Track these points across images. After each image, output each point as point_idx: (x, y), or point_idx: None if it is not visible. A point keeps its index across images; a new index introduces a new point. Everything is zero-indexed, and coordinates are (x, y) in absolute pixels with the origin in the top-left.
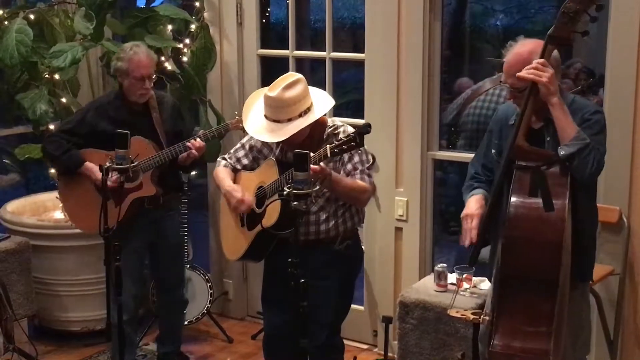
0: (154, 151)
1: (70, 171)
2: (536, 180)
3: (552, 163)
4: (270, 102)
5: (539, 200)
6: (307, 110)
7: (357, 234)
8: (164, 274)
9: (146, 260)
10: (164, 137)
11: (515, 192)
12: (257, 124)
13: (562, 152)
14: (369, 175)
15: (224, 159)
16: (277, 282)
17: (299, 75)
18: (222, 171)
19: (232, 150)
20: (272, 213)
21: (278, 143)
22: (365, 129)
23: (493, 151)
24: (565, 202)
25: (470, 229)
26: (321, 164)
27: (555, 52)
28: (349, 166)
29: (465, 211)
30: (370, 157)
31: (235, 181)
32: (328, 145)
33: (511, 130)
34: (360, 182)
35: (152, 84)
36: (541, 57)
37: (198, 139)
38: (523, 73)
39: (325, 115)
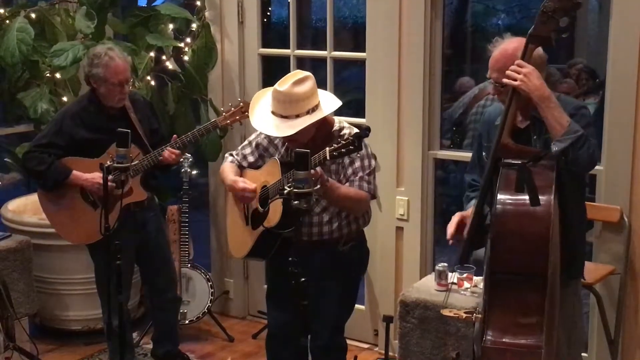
0: (141, 154)
1: (58, 184)
2: (522, 177)
3: (538, 159)
4: (279, 97)
5: (526, 196)
6: (315, 107)
7: (362, 235)
8: (155, 275)
9: (135, 263)
10: (145, 137)
11: (501, 189)
12: (263, 120)
13: (554, 149)
14: (369, 182)
15: (231, 155)
16: (280, 281)
17: (308, 73)
18: (227, 166)
19: (239, 147)
20: (275, 213)
21: (284, 142)
22: (364, 132)
23: (484, 154)
24: (550, 197)
25: (449, 226)
26: (318, 169)
27: (540, 51)
28: (349, 170)
29: None
30: (372, 162)
31: None
32: (327, 148)
33: (497, 130)
34: (357, 190)
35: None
36: (522, 56)
37: (174, 149)
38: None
39: (332, 115)
